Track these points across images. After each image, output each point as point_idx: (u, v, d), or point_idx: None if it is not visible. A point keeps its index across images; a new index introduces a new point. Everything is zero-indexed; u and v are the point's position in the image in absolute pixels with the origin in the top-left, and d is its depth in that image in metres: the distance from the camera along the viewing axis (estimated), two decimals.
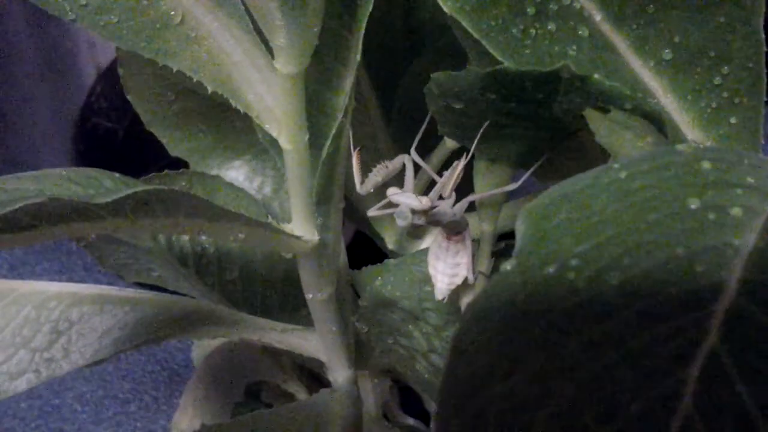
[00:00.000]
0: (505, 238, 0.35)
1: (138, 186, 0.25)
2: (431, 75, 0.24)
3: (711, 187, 0.16)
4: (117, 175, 0.27)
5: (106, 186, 0.26)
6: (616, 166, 0.18)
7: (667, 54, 0.24)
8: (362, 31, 0.27)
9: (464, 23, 0.22)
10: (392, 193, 0.27)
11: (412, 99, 0.25)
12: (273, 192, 0.38)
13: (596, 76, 0.22)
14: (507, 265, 0.16)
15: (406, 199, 0.26)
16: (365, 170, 0.28)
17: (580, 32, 0.24)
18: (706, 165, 0.17)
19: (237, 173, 0.38)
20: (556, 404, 0.13)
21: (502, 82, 0.22)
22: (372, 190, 0.27)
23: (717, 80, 0.25)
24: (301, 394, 0.46)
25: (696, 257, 0.15)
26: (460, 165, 0.27)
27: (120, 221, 0.26)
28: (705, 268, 0.14)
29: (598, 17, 0.24)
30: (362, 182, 0.28)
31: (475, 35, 0.22)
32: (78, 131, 0.66)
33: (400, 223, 0.26)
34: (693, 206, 0.16)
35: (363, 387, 0.42)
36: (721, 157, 0.18)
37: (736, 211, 0.16)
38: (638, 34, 0.24)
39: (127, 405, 0.63)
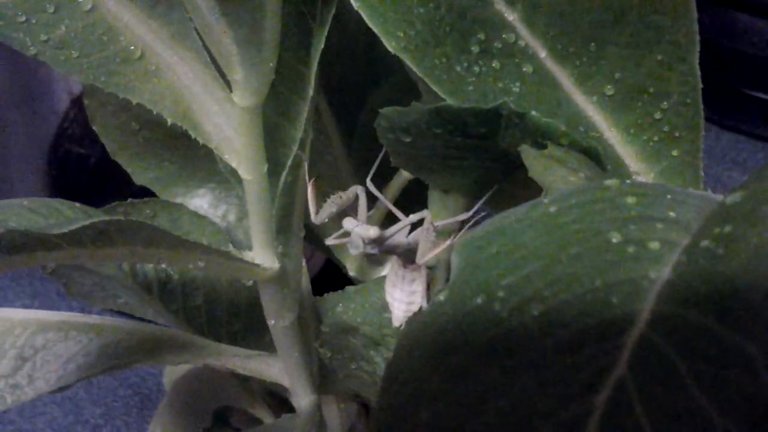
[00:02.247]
0: None
1: (97, 216, 0.25)
2: (380, 110, 0.24)
3: (633, 222, 0.17)
4: (77, 205, 0.28)
5: (66, 216, 0.27)
6: (546, 200, 0.18)
7: (609, 90, 0.25)
8: (315, 66, 0.27)
9: (408, 62, 0.23)
10: (347, 222, 0.28)
11: (372, 129, 0.26)
12: (237, 220, 0.38)
13: (533, 113, 0.22)
14: (440, 296, 0.17)
15: (358, 228, 0.27)
16: (327, 199, 0.29)
17: (524, 69, 0.25)
18: (630, 200, 0.18)
19: (201, 201, 0.38)
20: (473, 430, 0.14)
21: (446, 118, 0.23)
22: (326, 220, 0.28)
23: (657, 115, 0.26)
24: (269, 419, 0.46)
25: (613, 289, 0.15)
26: (442, 244, 0.28)
27: (79, 250, 0.26)
28: (620, 300, 0.15)
29: (542, 54, 0.25)
30: (317, 212, 0.28)
31: (419, 74, 0.23)
32: (52, 157, 0.67)
33: (353, 251, 0.27)
34: (614, 240, 0.17)
35: (329, 412, 0.42)
36: (645, 192, 0.18)
37: (654, 244, 0.16)
38: (581, 70, 0.25)
39: (98, 429, 0.63)
